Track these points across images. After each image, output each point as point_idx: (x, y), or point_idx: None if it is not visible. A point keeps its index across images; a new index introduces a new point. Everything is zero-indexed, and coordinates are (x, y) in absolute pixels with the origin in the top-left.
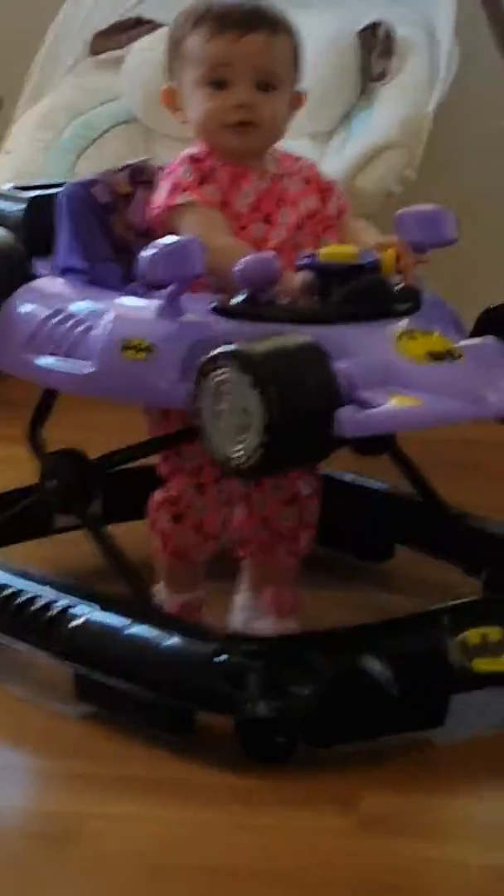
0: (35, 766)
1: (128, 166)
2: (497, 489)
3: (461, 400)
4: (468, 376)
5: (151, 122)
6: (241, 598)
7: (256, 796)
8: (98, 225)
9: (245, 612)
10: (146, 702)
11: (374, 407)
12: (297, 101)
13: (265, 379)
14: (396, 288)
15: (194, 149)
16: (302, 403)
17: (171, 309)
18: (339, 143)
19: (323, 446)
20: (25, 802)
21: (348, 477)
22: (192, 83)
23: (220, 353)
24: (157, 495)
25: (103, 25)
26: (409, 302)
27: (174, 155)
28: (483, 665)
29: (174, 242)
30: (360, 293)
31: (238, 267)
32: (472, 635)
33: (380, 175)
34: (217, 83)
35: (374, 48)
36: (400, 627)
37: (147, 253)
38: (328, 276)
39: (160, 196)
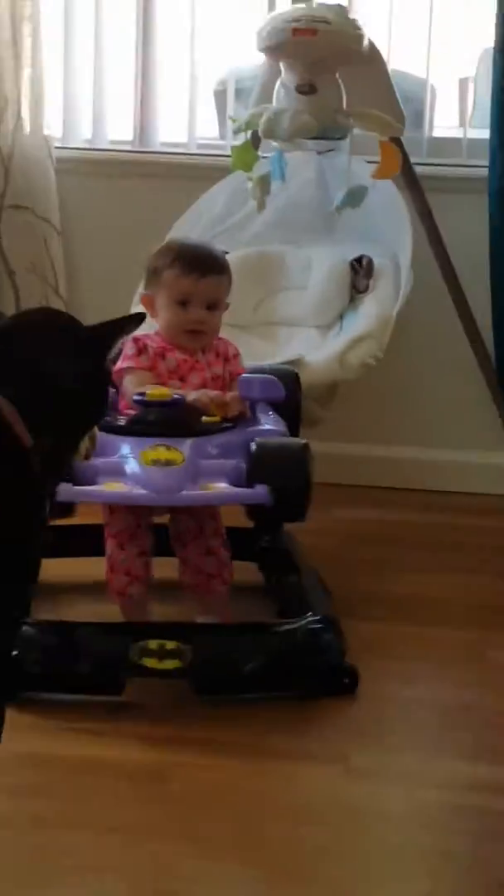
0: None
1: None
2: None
3: (153, 491)
4: (169, 477)
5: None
6: (200, 619)
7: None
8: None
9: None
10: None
11: (89, 485)
12: (225, 308)
13: None
14: (204, 421)
15: (138, 333)
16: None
17: None
18: (335, 333)
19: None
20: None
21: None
22: (165, 300)
23: None
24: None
25: (224, 223)
26: (187, 429)
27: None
28: (149, 662)
29: None
30: (150, 418)
31: None
32: (152, 643)
33: (360, 354)
34: (181, 303)
35: (360, 272)
36: (109, 628)
37: None
38: (149, 407)
39: (118, 362)
